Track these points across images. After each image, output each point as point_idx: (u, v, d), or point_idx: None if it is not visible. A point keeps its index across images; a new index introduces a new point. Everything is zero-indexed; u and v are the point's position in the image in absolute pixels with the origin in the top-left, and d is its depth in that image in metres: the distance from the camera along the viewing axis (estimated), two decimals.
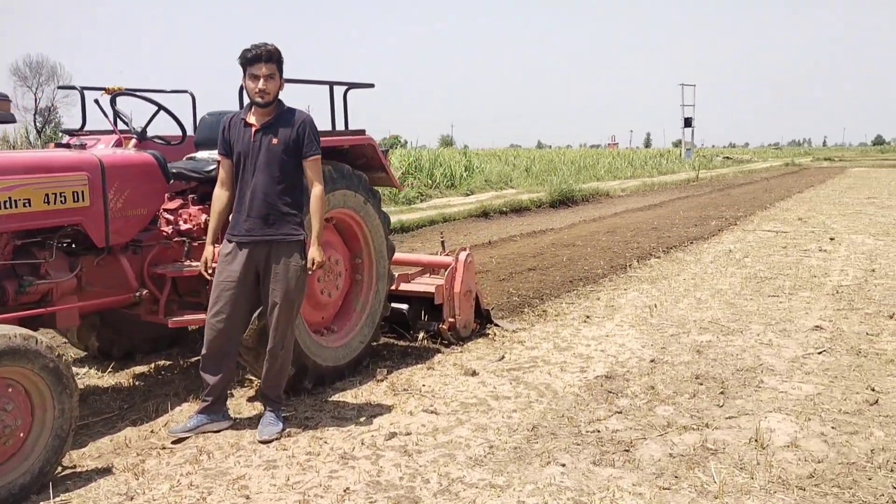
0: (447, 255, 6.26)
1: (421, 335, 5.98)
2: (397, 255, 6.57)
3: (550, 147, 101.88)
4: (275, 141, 4.08)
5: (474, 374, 5.17)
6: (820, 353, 5.61)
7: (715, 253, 10.77)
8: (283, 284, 4.11)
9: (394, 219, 14.32)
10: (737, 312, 6.97)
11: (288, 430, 4.15)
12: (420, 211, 16.62)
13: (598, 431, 4.13)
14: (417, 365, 5.43)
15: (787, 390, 4.79)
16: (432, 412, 4.44)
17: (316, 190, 4.15)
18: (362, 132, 5.22)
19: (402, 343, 6.01)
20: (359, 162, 5.30)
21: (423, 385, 4.97)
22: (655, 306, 7.26)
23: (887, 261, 9.78)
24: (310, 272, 4.14)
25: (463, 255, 6.02)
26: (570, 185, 20.53)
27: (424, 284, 6.00)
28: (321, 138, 4.26)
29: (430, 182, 20.38)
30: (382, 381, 5.05)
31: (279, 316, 4.14)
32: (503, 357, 5.61)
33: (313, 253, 4.12)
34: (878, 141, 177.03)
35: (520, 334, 6.30)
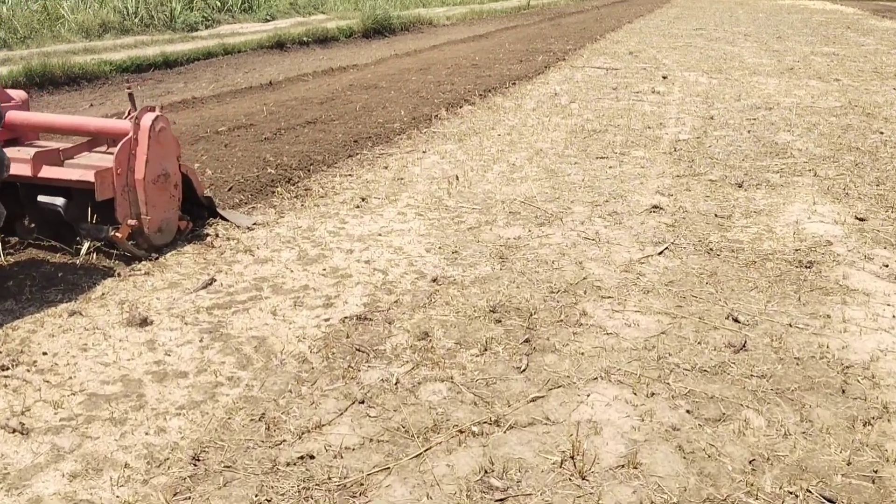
0: (130, 118, 3.98)
1: (87, 246, 3.83)
2: (48, 118, 4.20)
3: None
4: None
5: (145, 322, 3.17)
6: (660, 252, 4.10)
7: (539, 97, 9.07)
8: None
9: (156, 50, 11.34)
10: (557, 185, 5.34)
11: None
12: (198, 40, 13.51)
13: (310, 458, 2.34)
14: (59, 305, 3.33)
15: (618, 330, 3.21)
16: (15, 430, 2.44)
17: None
18: None
19: (55, 260, 3.84)
20: None
21: (44, 353, 2.92)
22: (458, 178, 5.48)
23: (724, 104, 8.54)
24: None
25: (148, 120, 3.80)
26: (386, 12, 17.86)
27: (82, 168, 3.75)
28: None
29: (219, 4, 16.88)
30: None
31: None
32: (212, 281, 3.64)
33: None
34: None
35: (255, 234, 4.31)
